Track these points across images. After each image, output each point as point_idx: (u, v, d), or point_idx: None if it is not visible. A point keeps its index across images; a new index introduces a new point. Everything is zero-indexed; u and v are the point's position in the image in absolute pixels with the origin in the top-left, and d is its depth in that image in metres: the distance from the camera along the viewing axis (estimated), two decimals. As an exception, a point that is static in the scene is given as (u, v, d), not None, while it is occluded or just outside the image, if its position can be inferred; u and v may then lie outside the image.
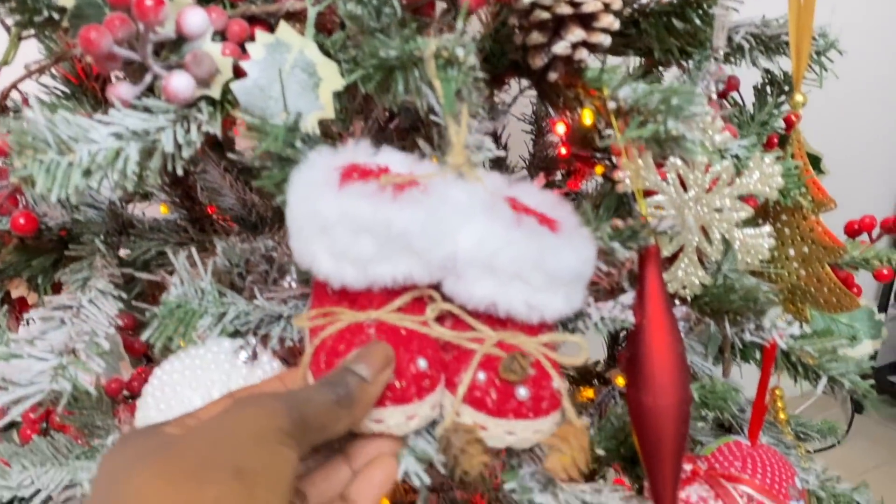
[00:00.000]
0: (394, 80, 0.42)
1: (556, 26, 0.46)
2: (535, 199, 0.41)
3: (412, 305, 0.38)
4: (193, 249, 0.45)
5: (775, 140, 0.62)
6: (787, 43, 0.58)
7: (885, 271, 0.65)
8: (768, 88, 0.63)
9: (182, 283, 0.45)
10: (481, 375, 0.37)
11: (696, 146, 0.39)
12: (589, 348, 0.39)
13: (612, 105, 0.44)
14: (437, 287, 0.38)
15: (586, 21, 0.45)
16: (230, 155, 0.40)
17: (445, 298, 0.38)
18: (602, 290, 0.48)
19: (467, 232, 0.36)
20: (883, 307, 2.05)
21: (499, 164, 0.84)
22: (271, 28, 0.50)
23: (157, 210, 0.66)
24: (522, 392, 0.36)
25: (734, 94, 0.65)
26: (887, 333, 1.89)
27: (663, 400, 0.44)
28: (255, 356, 0.46)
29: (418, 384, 0.35)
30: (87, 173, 0.38)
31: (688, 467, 0.53)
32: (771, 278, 0.57)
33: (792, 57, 0.52)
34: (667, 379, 0.45)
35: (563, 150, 0.67)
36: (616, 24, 0.47)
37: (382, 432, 0.36)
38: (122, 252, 0.57)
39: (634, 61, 0.63)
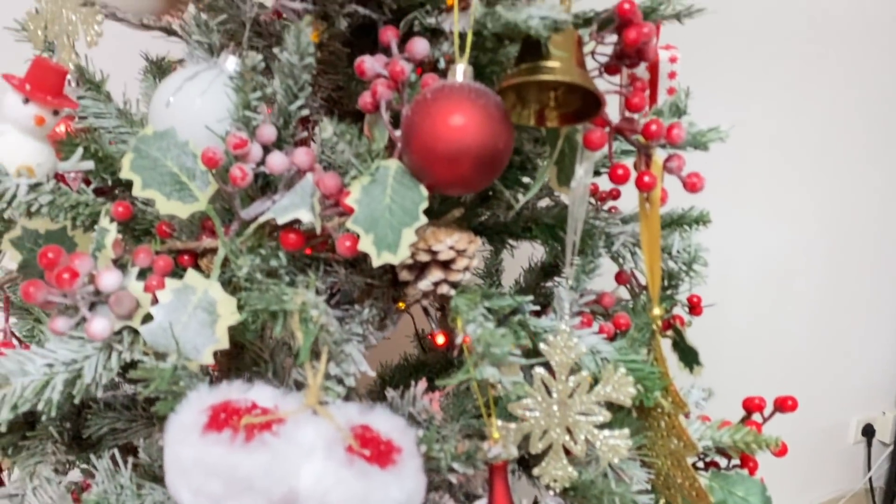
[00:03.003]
0: (275, 320, 0.51)
1: (422, 267, 0.54)
2: (385, 424, 0.49)
3: (264, 528, 0.45)
4: (116, 451, 0.54)
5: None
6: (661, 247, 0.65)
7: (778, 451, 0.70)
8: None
9: (104, 481, 0.54)
10: None
11: (510, 387, 0.47)
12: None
13: (459, 338, 0.52)
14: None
15: (446, 264, 0.54)
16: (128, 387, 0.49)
17: (295, 521, 0.45)
18: (464, 491, 0.55)
19: (306, 471, 0.44)
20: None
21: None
22: (196, 257, 0.60)
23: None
24: None
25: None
26: None
27: None
28: (160, 546, 0.53)
29: None
30: (14, 408, 0.48)
31: None
32: (649, 465, 0.63)
33: (647, 275, 0.59)
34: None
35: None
36: (474, 264, 0.55)
37: None
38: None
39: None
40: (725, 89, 1.58)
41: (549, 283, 0.86)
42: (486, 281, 0.97)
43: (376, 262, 0.49)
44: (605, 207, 0.84)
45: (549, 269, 0.86)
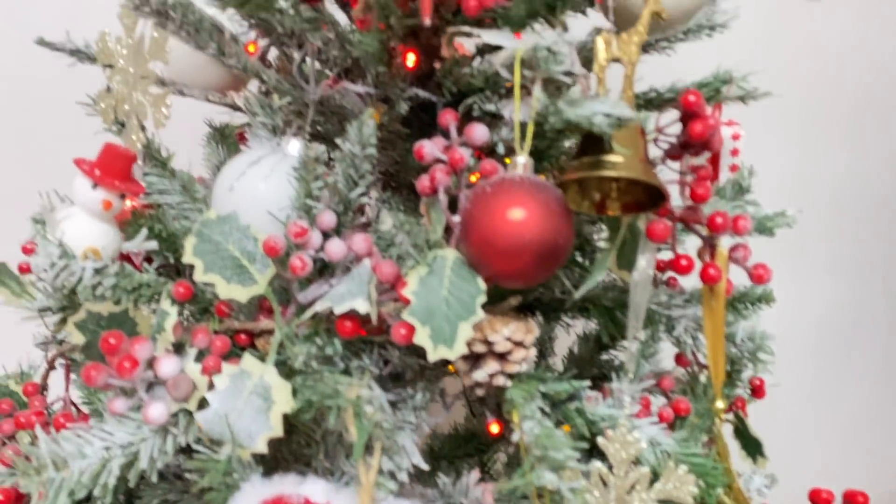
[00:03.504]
0: (328, 411, 0.50)
1: (477, 357, 0.53)
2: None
3: None
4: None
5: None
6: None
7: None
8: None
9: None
10: None
11: (570, 495, 0.45)
12: None
13: (515, 436, 0.50)
14: None
15: (502, 355, 0.53)
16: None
17: None
18: None
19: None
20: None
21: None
22: (253, 337, 0.60)
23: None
24: None
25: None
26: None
27: None
28: None
29: None
30: (71, 494, 0.48)
31: None
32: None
33: (710, 366, 0.57)
34: None
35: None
36: (532, 354, 0.54)
37: None
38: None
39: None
40: (781, 139, 1.55)
41: (605, 356, 0.84)
42: (537, 349, 0.96)
43: (432, 356, 0.48)
44: (664, 278, 0.82)
45: (605, 341, 0.84)
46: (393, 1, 0.51)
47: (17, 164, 1.26)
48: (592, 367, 0.85)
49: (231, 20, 0.71)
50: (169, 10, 0.53)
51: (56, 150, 1.21)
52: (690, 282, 0.68)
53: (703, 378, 0.74)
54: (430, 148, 0.56)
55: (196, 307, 0.59)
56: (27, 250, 0.70)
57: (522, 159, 0.50)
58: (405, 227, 0.50)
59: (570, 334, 0.88)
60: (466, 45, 0.71)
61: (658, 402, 0.72)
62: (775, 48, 1.48)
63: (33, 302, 0.57)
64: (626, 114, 0.46)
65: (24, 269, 0.71)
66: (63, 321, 0.65)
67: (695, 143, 0.53)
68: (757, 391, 0.73)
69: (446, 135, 0.57)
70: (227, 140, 0.87)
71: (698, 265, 0.57)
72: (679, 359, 0.71)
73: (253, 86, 0.78)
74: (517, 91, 0.50)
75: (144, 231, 0.56)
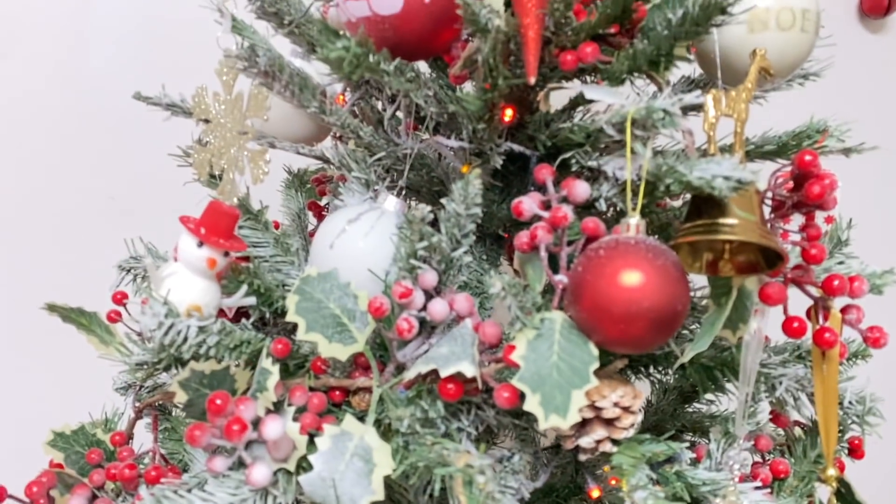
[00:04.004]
0: (434, 476, 0.49)
1: (583, 423, 0.52)
2: None
3: None
4: None
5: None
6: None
7: None
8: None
9: None
10: None
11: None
12: None
13: (627, 506, 0.49)
14: None
15: (609, 420, 0.51)
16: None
17: None
18: None
19: None
20: None
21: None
22: (347, 394, 0.59)
23: None
24: None
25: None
26: None
27: None
28: None
29: None
30: (177, 559, 0.48)
31: None
32: None
33: (821, 434, 0.55)
34: None
35: None
36: (639, 419, 0.52)
37: None
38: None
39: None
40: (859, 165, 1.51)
41: (690, 408, 0.82)
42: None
43: (543, 424, 0.47)
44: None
45: (689, 392, 0.82)
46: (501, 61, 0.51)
47: (91, 209, 1.28)
48: (675, 420, 0.82)
49: (317, 72, 0.72)
50: (276, 70, 0.53)
51: (132, 198, 1.23)
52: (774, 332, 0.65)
53: (797, 434, 0.71)
54: (528, 204, 0.55)
55: (291, 364, 0.59)
56: (118, 300, 0.71)
57: (635, 220, 0.49)
58: (513, 289, 0.50)
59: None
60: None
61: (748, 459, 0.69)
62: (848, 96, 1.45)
63: (130, 356, 0.58)
64: (746, 177, 0.45)
65: (113, 319, 0.72)
66: (151, 372, 0.65)
67: (810, 204, 0.51)
68: (855, 451, 0.70)
69: (540, 189, 0.56)
70: (305, 185, 0.88)
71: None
72: (776, 418, 0.68)
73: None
74: (629, 151, 0.49)
75: (244, 287, 0.56)
